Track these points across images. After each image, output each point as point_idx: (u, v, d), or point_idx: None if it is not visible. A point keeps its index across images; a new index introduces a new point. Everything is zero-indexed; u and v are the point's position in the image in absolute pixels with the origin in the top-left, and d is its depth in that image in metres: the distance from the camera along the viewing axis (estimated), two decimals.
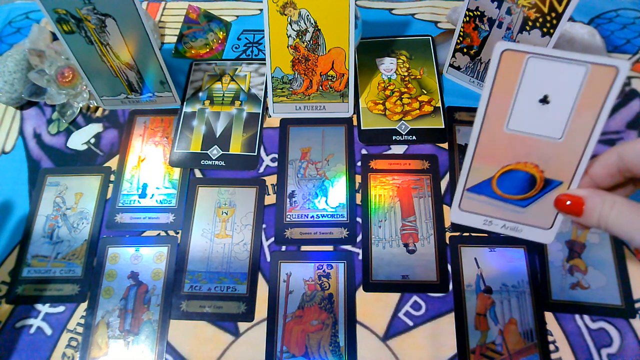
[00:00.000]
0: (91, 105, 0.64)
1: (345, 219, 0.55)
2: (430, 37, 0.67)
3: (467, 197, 0.35)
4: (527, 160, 0.32)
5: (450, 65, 0.63)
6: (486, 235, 0.53)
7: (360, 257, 0.53)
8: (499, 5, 0.53)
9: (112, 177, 0.59)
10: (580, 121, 0.30)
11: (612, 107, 0.30)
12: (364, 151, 0.59)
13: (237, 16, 0.73)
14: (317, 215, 0.56)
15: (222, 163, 0.59)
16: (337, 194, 0.57)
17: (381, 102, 0.62)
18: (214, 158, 0.59)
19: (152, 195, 0.58)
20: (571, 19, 0.66)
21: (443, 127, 0.60)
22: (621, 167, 0.30)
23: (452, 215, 0.36)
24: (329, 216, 0.55)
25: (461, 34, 0.59)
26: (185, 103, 0.64)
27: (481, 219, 0.35)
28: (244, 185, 0.58)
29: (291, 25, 0.55)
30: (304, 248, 0.54)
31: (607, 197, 0.29)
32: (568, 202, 0.30)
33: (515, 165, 0.32)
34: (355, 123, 0.61)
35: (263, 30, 0.59)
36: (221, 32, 0.70)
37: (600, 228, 0.29)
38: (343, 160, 0.59)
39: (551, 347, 0.48)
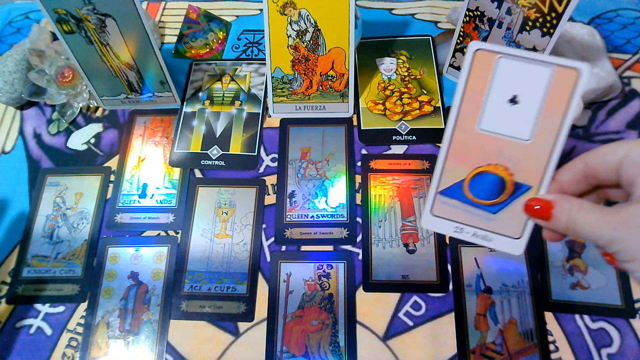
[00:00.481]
0: (91, 105, 0.64)
1: (345, 219, 0.55)
2: (430, 37, 0.67)
3: (439, 201, 0.34)
4: (497, 162, 0.32)
5: (450, 65, 0.63)
6: None
7: (360, 257, 0.53)
8: (499, 5, 0.53)
9: (112, 177, 0.59)
10: (547, 122, 0.31)
11: (575, 112, 0.30)
12: (364, 151, 0.59)
13: (237, 16, 0.73)
14: (317, 215, 0.56)
15: (222, 163, 0.59)
16: (337, 194, 0.57)
17: (381, 102, 0.62)
18: (214, 158, 0.59)
19: (152, 195, 0.58)
20: (571, 19, 0.66)
21: (443, 127, 0.60)
22: (587, 173, 0.30)
23: (424, 220, 0.35)
24: (329, 216, 0.55)
25: (461, 34, 0.59)
26: (185, 103, 0.64)
27: (452, 226, 0.34)
28: (244, 185, 0.58)
29: (291, 25, 0.55)
30: (304, 248, 0.54)
31: (574, 201, 0.29)
32: (537, 207, 0.31)
33: (486, 167, 0.32)
34: (355, 123, 0.61)
35: (263, 30, 0.59)
36: (221, 32, 0.70)
37: (568, 233, 0.29)
38: (343, 160, 0.59)
39: (551, 347, 0.48)
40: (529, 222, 0.32)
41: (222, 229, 0.55)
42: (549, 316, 0.50)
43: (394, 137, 0.60)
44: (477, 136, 0.32)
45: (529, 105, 0.31)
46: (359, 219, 0.55)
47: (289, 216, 0.56)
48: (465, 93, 0.32)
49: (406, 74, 0.64)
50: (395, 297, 0.51)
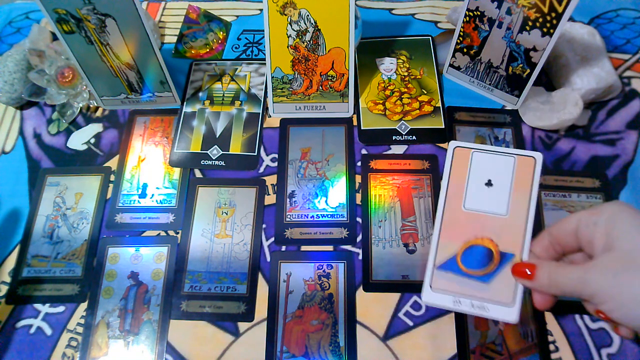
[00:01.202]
0: (91, 105, 0.64)
1: (345, 219, 0.55)
2: (430, 37, 0.67)
3: (437, 276, 0.38)
4: (483, 235, 0.38)
5: (450, 65, 0.63)
6: None
7: (360, 257, 0.53)
8: (499, 5, 0.53)
9: (112, 177, 0.59)
10: (518, 199, 0.38)
11: (537, 189, 0.38)
12: (364, 151, 0.59)
13: (237, 16, 0.73)
14: (317, 215, 0.56)
15: (222, 163, 0.59)
16: (337, 194, 0.57)
17: (381, 102, 0.62)
18: (214, 158, 0.59)
19: (152, 195, 0.58)
20: (571, 19, 0.66)
21: (443, 127, 0.60)
22: (553, 242, 0.37)
23: (424, 295, 0.38)
24: (329, 216, 0.55)
25: (461, 34, 0.59)
26: (185, 103, 0.64)
27: (451, 299, 0.38)
28: (244, 185, 0.58)
29: (291, 25, 0.55)
30: (304, 248, 0.54)
31: (552, 262, 0.35)
32: (522, 269, 0.36)
33: (474, 240, 0.38)
34: (355, 123, 0.61)
35: (263, 30, 0.59)
36: (221, 32, 0.70)
37: (551, 290, 0.34)
38: (343, 160, 0.59)
39: (551, 347, 0.48)
40: (519, 288, 0.37)
41: (222, 229, 0.55)
42: (549, 316, 0.50)
43: (394, 137, 0.60)
44: (463, 214, 0.39)
45: (502, 186, 0.39)
46: (359, 219, 0.55)
47: (289, 216, 0.56)
48: (450, 180, 0.40)
49: (406, 74, 0.64)
50: (395, 297, 0.51)
